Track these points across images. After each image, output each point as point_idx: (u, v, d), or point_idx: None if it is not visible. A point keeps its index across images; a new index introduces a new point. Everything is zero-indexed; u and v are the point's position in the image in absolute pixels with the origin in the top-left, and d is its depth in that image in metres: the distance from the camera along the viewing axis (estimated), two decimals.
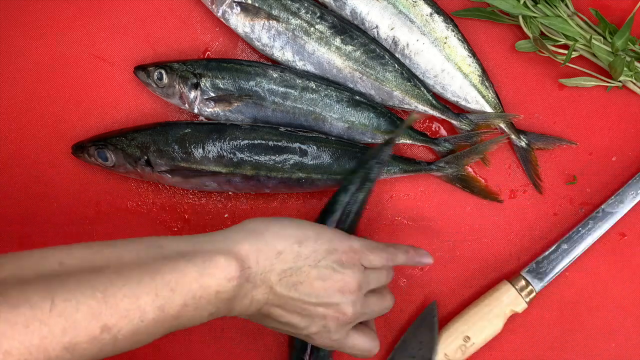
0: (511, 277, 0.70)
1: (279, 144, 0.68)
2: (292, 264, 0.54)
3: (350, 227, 0.65)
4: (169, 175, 0.69)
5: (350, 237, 0.58)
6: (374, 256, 0.58)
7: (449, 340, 0.69)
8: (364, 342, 0.60)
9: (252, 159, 0.68)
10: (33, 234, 0.73)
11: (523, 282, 0.69)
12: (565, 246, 0.70)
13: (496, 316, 0.68)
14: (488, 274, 0.73)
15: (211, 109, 0.70)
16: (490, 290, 0.70)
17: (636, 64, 0.70)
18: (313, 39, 0.70)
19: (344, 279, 0.55)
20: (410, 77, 0.71)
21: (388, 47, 0.72)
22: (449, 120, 0.72)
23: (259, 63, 0.71)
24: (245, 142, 0.68)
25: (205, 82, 0.69)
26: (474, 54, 0.72)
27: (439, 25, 0.71)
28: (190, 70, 0.70)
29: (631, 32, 0.69)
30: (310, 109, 0.70)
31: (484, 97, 0.72)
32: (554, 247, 0.70)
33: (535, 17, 0.70)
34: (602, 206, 0.70)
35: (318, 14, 0.70)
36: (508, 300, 0.69)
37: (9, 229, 0.73)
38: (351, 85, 0.71)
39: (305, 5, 0.70)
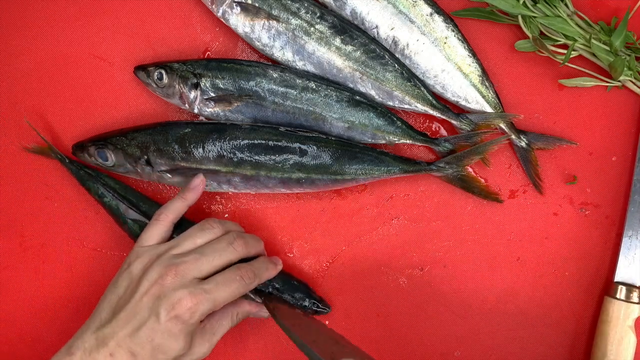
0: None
1: (279, 144, 0.68)
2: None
3: None
4: (169, 175, 0.69)
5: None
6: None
7: None
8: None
9: (252, 158, 0.68)
10: (33, 234, 0.73)
11: (624, 288, 0.69)
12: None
13: (625, 334, 0.69)
14: (488, 274, 0.73)
15: (211, 109, 0.70)
16: (601, 315, 0.70)
17: (636, 63, 0.70)
18: (313, 39, 0.70)
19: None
20: (410, 77, 0.71)
21: (388, 47, 0.72)
22: (449, 120, 0.72)
23: (259, 63, 0.71)
24: (245, 142, 0.68)
25: (205, 82, 0.69)
26: (474, 54, 0.72)
27: (439, 25, 0.71)
28: (190, 70, 0.70)
29: (633, 32, 0.69)
30: (310, 109, 0.70)
31: (484, 97, 0.72)
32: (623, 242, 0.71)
33: (534, 16, 0.70)
34: None
35: (318, 14, 0.70)
36: (625, 313, 0.69)
37: (10, 229, 0.73)
38: (351, 85, 0.71)
39: (305, 5, 0.70)
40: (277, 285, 0.69)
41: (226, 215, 0.74)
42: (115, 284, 0.62)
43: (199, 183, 0.67)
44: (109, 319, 0.59)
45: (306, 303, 0.70)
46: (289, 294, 0.69)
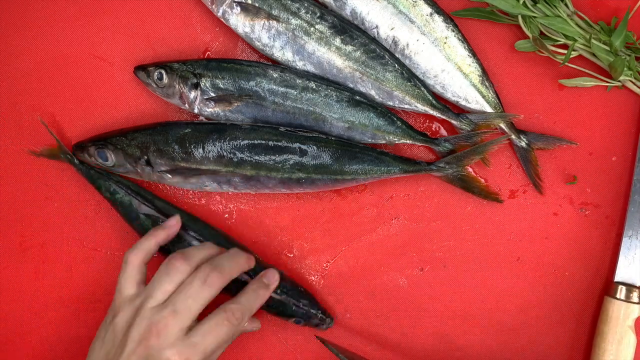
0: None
1: (279, 144, 0.68)
2: None
3: None
4: (169, 175, 0.69)
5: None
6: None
7: None
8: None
9: (252, 159, 0.68)
10: (33, 234, 0.73)
11: (624, 288, 0.69)
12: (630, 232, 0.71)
13: (625, 334, 0.69)
14: (488, 274, 0.73)
15: (211, 109, 0.70)
16: (601, 315, 0.70)
17: (636, 63, 0.70)
18: (313, 39, 0.70)
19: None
20: (410, 77, 0.71)
21: (388, 47, 0.72)
22: (449, 120, 0.72)
23: (259, 63, 0.71)
24: (245, 142, 0.68)
25: (205, 82, 0.69)
26: (474, 54, 0.72)
27: (439, 25, 0.71)
28: (190, 70, 0.70)
29: (633, 31, 0.69)
30: (310, 109, 0.70)
31: (484, 97, 0.72)
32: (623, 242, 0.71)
33: (534, 16, 0.70)
34: None
35: (318, 14, 0.70)
36: (625, 313, 0.69)
37: (10, 229, 0.73)
38: (351, 85, 0.71)
39: (305, 5, 0.70)
40: (285, 291, 0.69)
41: (226, 215, 0.74)
42: (102, 339, 0.60)
43: (173, 224, 0.65)
44: None
45: (314, 311, 0.70)
46: (294, 300, 0.69)
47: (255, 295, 0.63)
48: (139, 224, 0.69)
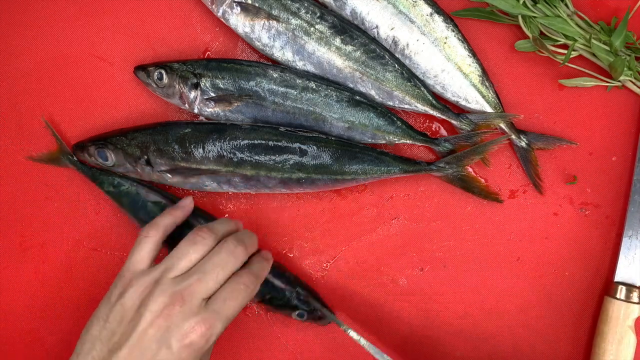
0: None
1: (279, 144, 0.68)
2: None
3: None
4: (169, 175, 0.69)
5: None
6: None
7: None
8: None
9: (252, 159, 0.68)
10: (33, 234, 0.73)
11: (624, 288, 0.69)
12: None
13: (625, 334, 0.69)
14: (488, 274, 0.73)
15: (211, 109, 0.70)
16: (601, 315, 0.70)
17: (636, 63, 0.70)
18: (313, 39, 0.70)
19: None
20: (410, 77, 0.71)
21: (388, 47, 0.72)
22: (449, 120, 0.72)
23: (259, 63, 0.71)
24: (245, 142, 0.68)
25: (205, 82, 0.69)
26: (474, 54, 0.72)
27: (439, 25, 0.71)
28: (190, 70, 0.70)
29: (633, 31, 0.69)
30: (310, 109, 0.70)
31: (484, 97, 0.72)
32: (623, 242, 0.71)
33: (534, 17, 0.70)
34: None
35: (318, 14, 0.70)
36: (625, 313, 0.69)
37: (10, 229, 0.73)
38: (351, 85, 0.71)
39: (305, 5, 0.70)
40: (301, 293, 0.69)
41: (226, 215, 0.74)
42: (104, 318, 0.57)
43: (187, 203, 0.66)
44: (105, 358, 0.55)
45: (316, 304, 0.70)
46: (298, 290, 0.69)
47: (262, 266, 0.63)
48: (146, 213, 0.69)
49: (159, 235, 0.62)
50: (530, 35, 0.70)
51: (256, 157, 0.68)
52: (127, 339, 0.55)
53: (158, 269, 0.58)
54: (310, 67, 0.71)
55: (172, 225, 0.64)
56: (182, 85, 0.70)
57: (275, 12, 0.70)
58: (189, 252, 0.58)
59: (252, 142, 0.68)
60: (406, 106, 0.72)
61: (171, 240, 0.64)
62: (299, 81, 0.70)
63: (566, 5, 0.70)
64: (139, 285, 0.57)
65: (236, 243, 0.60)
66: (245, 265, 0.61)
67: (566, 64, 0.70)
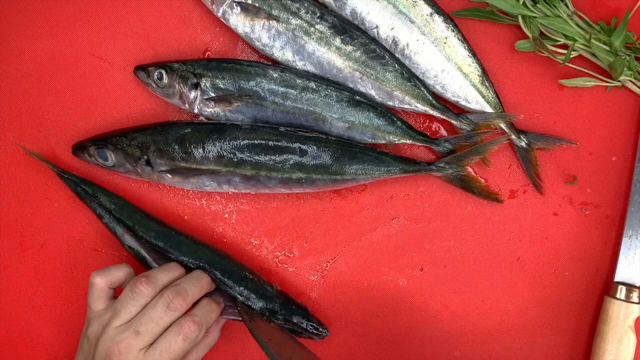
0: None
1: (279, 144, 0.68)
2: None
3: None
4: (169, 175, 0.69)
5: None
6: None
7: None
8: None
9: (252, 159, 0.68)
10: (33, 234, 0.73)
11: (624, 288, 0.69)
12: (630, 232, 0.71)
13: (625, 334, 0.69)
14: (488, 274, 0.73)
15: (211, 109, 0.70)
16: (601, 315, 0.70)
17: (636, 63, 0.70)
18: (313, 39, 0.70)
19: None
20: (410, 77, 0.71)
21: (388, 47, 0.72)
22: (449, 120, 0.72)
23: (259, 63, 0.71)
24: (245, 142, 0.68)
25: (205, 82, 0.69)
26: (474, 54, 0.72)
27: (439, 25, 0.71)
28: (190, 70, 0.70)
29: (633, 31, 0.69)
30: (310, 109, 0.70)
31: (484, 97, 0.72)
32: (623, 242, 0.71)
33: (534, 16, 0.70)
34: None
35: (318, 14, 0.70)
36: (625, 313, 0.69)
37: (10, 229, 0.73)
38: (351, 85, 0.71)
39: (305, 5, 0.70)
40: (275, 309, 0.69)
41: (226, 215, 0.74)
42: (82, 347, 0.63)
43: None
44: None
45: (304, 325, 0.69)
46: (286, 318, 0.69)
47: (210, 309, 0.64)
48: (128, 254, 0.70)
49: (104, 283, 0.63)
50: (530, 35, 0.70)
51: (256, 157, 0.68)
52: None
53: (107, 313, 0.62)
54: (310, 67, 0.71)
55: (123, 279, 0.65)
56: (182, 85, 0.69)
57: (275, 12, 0.70)
58: (127, 305, 0.61)
59: (252, 142, 0.68)
60: (406, 106, 0.72)
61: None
62: (299, 81, 0.70)
63: (566, 5, 0.70)
64: (93, 327, 0.62)
65: (173, 296, 0.61)
66: (193, 307, 0.63)
67: (566, 64, 0.70)
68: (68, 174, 0.71)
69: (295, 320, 0.69)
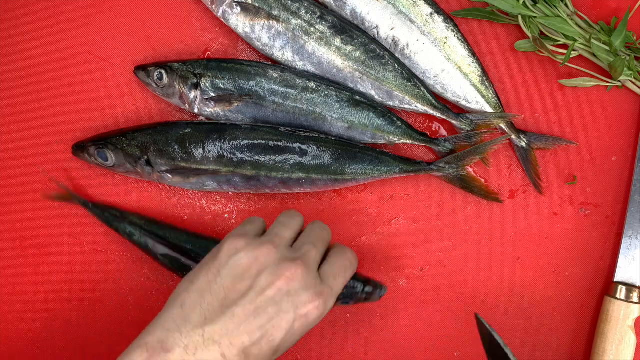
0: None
1: (279, 144, 0.68)
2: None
3: None
4: (169, 175, 0.69)
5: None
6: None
7: None
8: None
9: (252, 159, 0.68)
10: (33, 234, 0.73)
11: (624, 288, 0.69)
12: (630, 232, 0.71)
13: (625, 334, 0.69)
14: (488, 274, 0.73)
15: (211, 109, 0.70)
16: (601, 315, 0.70)
17: (636, 63, 0.70)
18: (313, 39, 0.70)
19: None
20: (410, 77, 0.71)
21: (388, 47, 0.72)
22: (449, 120, 0.72)
23: (259, 63, 0.71)
24: (245, 142, 0.68)
25: (205, 82, 0.69)
26: (474, 54, 0.72)
27: (439, 25, 0.71)
28: (190, 70, 0.70)
29: (633, 31, 0.70)
30: (310, 109, 0.70)
31: (484, 97, 0.72)
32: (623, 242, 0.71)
33: (534, 17, 0.70)
34: None
35: (318, 14, 0.70)
36: (625, 313, 0.69)
37: (10, 229, 0.73)
38: (351, 85, 0.71)
39: (306, 5, 0.70)
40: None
41: (226, 215, 0.74)
42: (214, 273, 0.53)
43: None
44: (217, 314, 0.51)
45: (357, 288, 0.65)
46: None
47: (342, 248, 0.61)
48: (161, 263, 0.70)
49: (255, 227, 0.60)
50: (530, 35, 0.70)
51: (256, 157, 0.68)
52: (243, 296, 0.52)
53: (269, 235, 0.56)
54: (310, 67, 0.71)
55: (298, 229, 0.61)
56: (182, 85, 0.70)
57: (275, 12, 0.70)
58: (290, 223, 0.58)
59: (252, 142, 0.68)
60: (406, 106, 0.72)
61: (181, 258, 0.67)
62: (299, 81, 0.70)
63: (566, 5, 0.70)
64: (255, 246, 0.55)
65: (320, 222, 0.61)
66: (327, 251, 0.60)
67: (566, 64, 0.70)
68: (97, 205, 0.71)
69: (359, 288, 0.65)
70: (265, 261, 0.54)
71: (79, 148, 0.70)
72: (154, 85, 0.70)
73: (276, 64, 0.72)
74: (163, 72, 0.70)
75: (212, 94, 0.70)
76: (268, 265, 0.53)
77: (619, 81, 0.71)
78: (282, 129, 0.69)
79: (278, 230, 0.57)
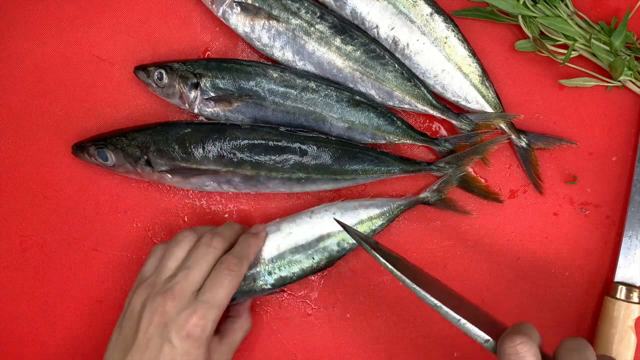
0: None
1: (279, 144, 0.68)
2: None
3: None
4: (169, 175, 0.69)
5: None
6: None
7: None
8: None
9: (252, 159, 0.68)
10: (33, 234, 0.73)
11: (624, 288, 0.69)
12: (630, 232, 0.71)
13: (625, 334, 0.69)
14: (488, 274, 0.73)
15: (211, 109, 0.70)
16: (601, 315, 0.70)
17: (636, 63, 0.70)
18: (313, 39, 0.70)
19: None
20: (411, 77, 0.71)
21: (388, 47, 0.72)
22: (449, 120, 0.72)
23: (259, 63, 0.71)
24: (245, 142, 0.68)
25: (205, 82, 0.69)
26: (474, 54, 0.72)
27: (439, 25, 0.71)
28: (190, 70, 0.70)
29: (633, 31, 0.70)
30: (310, 109, 0.70)
31: (484, 97, 0.72)
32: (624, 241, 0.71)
33: (534, 16, 0.70)
34: None
35: (318, 14, 0.70)
36: (625, 313, 0.69)
37: (10, 229, 0.73)
38: (351, 85, 0.71)
39: (306, 5, 0.70)
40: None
41: (226, 215, 0.74)
42: (120, 326, 0.62)
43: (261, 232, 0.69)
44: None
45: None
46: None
47: (247, 244, 0.66)
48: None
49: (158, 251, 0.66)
50: (530, 35, 0.70)
51: (256, 157, 0.68)
52: (134, 340, 0.59)
53: (153, 276, 0.63)
54: (310, 67, 0.71)
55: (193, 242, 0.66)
56: (182, 85, 0.70)
57: (275, 12, 0.70)
58: (175, 252, 0.64)
59: (252, 142, 0.68)
60: (406, 106, 0.72)
61: None
62: (299, 81, 0.70)
63: (566, 5, 0.70)
64: (141, 291, 0.62)
65: (211, 236, 0.64)
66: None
67: (566, 64, 0.70)
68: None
69: None
70: (146, 302, 0.61)
71: (79, 148, 0.70)
72: (154, 85, 0.70)
73: (276, 64, 0.72)
74: (163, 72, 0.70)
75: (212, 94, 0.70)
76: (147, 305, 0.60)
77: (619, 81, 0.71)
78: (282, 129, 0.69)
79: (161, 266, 0.63)
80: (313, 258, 0.69)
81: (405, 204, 0.71)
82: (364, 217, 0.70)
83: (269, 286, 0.69)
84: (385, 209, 0.71)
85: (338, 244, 0.69)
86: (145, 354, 0.58)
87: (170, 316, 0.59)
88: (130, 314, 0.61)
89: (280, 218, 0.71)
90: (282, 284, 0.69)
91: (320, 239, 0.69)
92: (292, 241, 0.69)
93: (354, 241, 0.68)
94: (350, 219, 0.70)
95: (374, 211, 0.71)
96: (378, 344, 0.73)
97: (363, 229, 0.70)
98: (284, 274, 0.69)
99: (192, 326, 0.58)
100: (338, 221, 0.62)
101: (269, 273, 0.69)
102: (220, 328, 0.66)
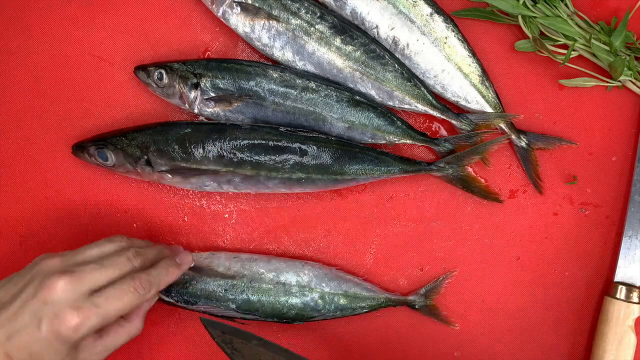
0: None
1: (279, 144, 0.68)
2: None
3: None
4: (169, 175, 0.69)
5: None
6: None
7: None
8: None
9: (252, 159, 0.68)
10: (33, 233, 0.73)
11: (624, 288, 0.69)
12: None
13: (625, 334, 0.69)
14: (488, 274, 0.73)
15: (211, 109, 0.70)
16: (601, 315, 0.70)
17: (636, 63, 0.70)
18: (313, 39, 0.70)
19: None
20: (411, 77, 0.71)
21: (388, 47, 0.72)
22: (449, 120, 0.72)
23: (259, 63, 0.71)
24: (245, 142, 0.68)
25: (205, 82, 0.69)
26: (474, 54, 0.72)
27: (439, 25, 0.71)
28: (190, 70, 0.70)
29: (633, 31, 0.70)
30: (310, 109, 0.70)
31: (484, 97, 0.72)
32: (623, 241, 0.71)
33: (534, 16, 0.70)
34: None
35: (318, 14, 0.70)
36: (625, 313, 0.69)
37: (9, 229, 0.73)
38: (351, 85, 0.71)
39: (306, 5, 0.70)
40: None
41: (226, 215, 0.74)
42: (9, 280, 0.58)
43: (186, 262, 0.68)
44: None
45: None
46: None
47: (165, 271, 0.63)
48: None
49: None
50: (530, 35, 0.70)
51: (256, 157, 0.68)
52: (11, 301, 0.56)
53: (75, 252, 0.60)
54: (310, 67, 0.71)
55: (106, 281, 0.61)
56: (182, 85, 0.70)
57: (275, 12, 0.70)
58: (102, 245, 0.61)
59: (252, 142, 0.68)
60: (406, 106, 0.72)
61: None
62: (299, 81, 0.70)
63: (566, 5, 0.70)
64: (52, 256, 0.59)
65: (137, 254, 0.61)
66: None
67: (566, 64, 0.70)
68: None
69: None
70: (46, 263, 0.57)
71: (79, 148, 0.70)
72: (154, 85, 0.70)
73: (276, 64, 0.72)
74: (163, 72, 0.70)
75: (212, 94, 0.70)
76: (44, 267, 0.57)
77: (619, 81, 0.71)
78: (282, 129, 0.69)
79: (85, 248, 0.61)
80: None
81: (391, 301, 0.71)
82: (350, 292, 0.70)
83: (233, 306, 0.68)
84: (372, 294, 0.71)
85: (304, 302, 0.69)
86: (10, 322, 0.55)
87: (54, 298, 0.55)
88: (25, 272, 0.58)
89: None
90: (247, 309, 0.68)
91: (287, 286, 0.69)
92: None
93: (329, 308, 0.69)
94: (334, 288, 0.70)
95: (360, 293, 0.70)
96: (379, 344, 0.73)
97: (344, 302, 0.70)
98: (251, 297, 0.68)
99: (66, 325, 0.54)
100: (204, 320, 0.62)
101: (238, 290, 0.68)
102: (105, 327, 0.60)
